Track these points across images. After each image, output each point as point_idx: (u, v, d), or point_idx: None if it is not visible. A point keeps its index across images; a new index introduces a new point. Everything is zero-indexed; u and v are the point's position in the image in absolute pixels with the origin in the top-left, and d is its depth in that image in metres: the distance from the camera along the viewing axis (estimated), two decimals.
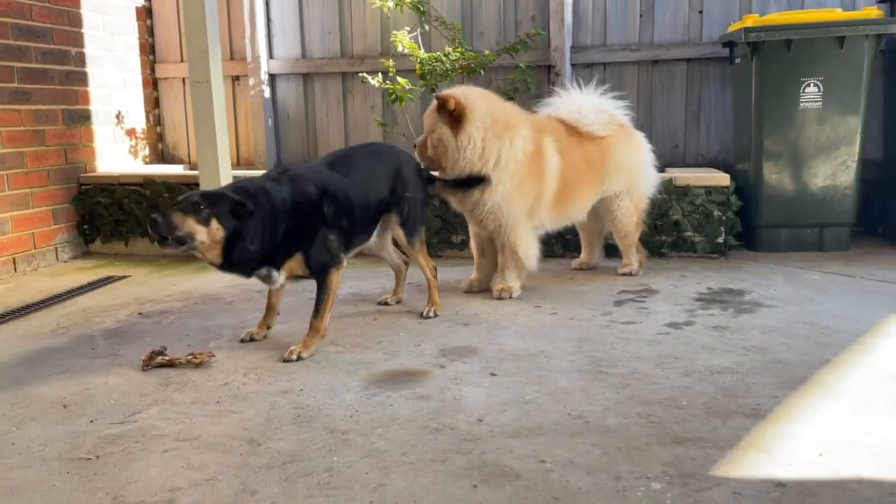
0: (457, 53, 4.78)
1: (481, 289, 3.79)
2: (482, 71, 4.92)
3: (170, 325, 3.35)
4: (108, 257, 4.92)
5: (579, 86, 3.96)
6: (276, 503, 1.81)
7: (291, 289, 3.33)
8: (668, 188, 4.35)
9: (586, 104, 3.84)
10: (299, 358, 2.82)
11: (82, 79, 5.02)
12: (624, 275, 4.02)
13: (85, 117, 5.05)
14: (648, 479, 1.87)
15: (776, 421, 2.19)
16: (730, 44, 4.74)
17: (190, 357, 2.80)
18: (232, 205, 2.65)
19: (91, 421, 2.33)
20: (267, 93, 5.64)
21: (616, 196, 3.91)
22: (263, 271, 2.83)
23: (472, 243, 3.84)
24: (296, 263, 2.87)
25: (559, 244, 4.53)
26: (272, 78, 5.69)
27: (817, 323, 3.10)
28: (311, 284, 3.01)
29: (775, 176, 4.44)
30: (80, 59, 5.01)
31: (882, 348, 2.78)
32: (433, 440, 2.12)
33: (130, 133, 5.56)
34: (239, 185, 2.82)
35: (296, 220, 2.80)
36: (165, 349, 2.85)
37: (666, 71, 5.21)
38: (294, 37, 5.63)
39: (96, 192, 4.94)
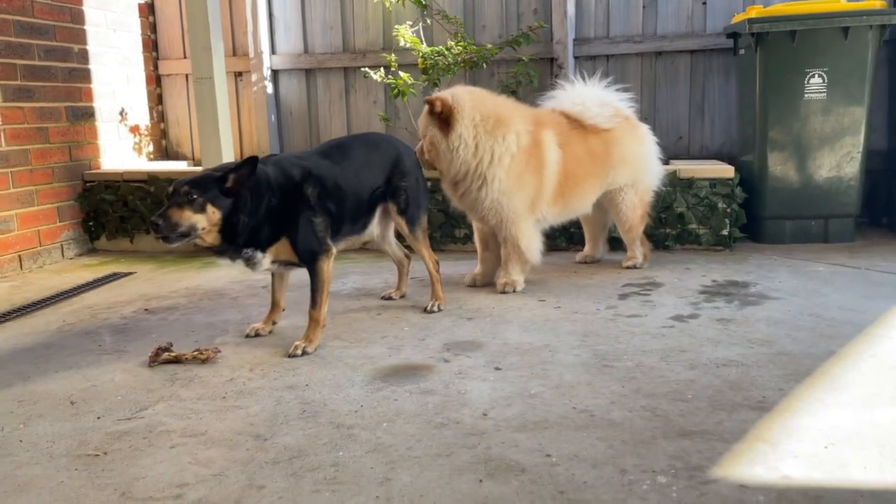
0: (459, 47, 4.77)
1: (485, 283, 3.79)
2: (485, 65, 4.92)
3: (175, 322, 3.36)
4: (113, 254, 4.94)
5: (583, 78, 3.95)
6: (282, 498, 1.82)
7: (296, 283, 3.34)
8: (673, 180, 4.35)
9: (591, 97, 3.83)
10: (304, 353, 2.82)
11: (85, 76, 5.03)
12: (628, 268, 4.02)
13: (88, 114, 5.06)
14: (654, 473, 1.88)
15: (782, 413, 2.19)
16: (734, 35, 4.72)
17: (196, 353, 2.81)
18: (219, 183, 2.68)
19: (98, 417, 2.34)
20: (269, 88, 5.64)
21: (621, 189, 3.90)
22: (248, 252, 2.82)
23: (476, 237, 3.84)
24: (282, 247, 2.86)
25: (563, 237, 4.53)
26: (275, 73, 5.69)
27: (823, 315, 3.09)
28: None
29: (780, 167, 4.42)
30: (83, 56, 5.01)
31: (888, 340, 2.77)
32: (438, 434, 2.12)
33: (134, 130, 5.57)
34: (221, 165, 2.90)
35: (279, 201, 2.80)
36: (171, 345, 2.86)
37: (670, 63, 5.19)
38: (296, 32, 5.63)
39: (101, 189, 4.95)
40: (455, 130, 3.42)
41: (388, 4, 5.05)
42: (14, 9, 4.43)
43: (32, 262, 4.57)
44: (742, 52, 4.66)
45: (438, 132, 3.45)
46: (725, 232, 4.39)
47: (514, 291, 3.62)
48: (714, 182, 4.37)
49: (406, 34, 4.76)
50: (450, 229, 4.66)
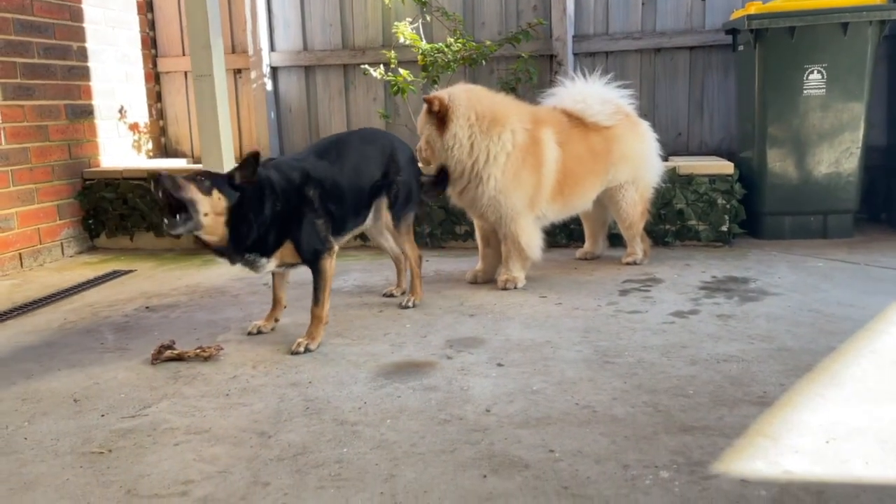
0: (459, 44, 4.77)
1: (486, 279, 3.80)
2: (484, 62, 4.92)
3: (177, 319, 3.37)
4: (113, 252, 4.94)
5: (584, 75, 3.96)
6: (287, 494, 1.83)
7: (297, 281, 3.35)
8: (672, 177, 4.36)
9: (592, 94, 3.84)
10: (307, 350, 2.83)
11: (84, 74, 5.02)
12: (628, 264, 4.03)
13: (88, 112, 5.06)
14: (657, 468, 1.89)
15: (783, 409, 2.20)
16: (733, 31, 4.73)
17: (198, 350, 2.82)
18: (227, 178, 2.71)
19: (102, 415, 2.35)
20: (269, 86, 5.64)
21: (621, 186, 3.91)
22: (251, 256, 2.82)
23: (477, 234, 3.85)
24: (287, 251, 2.88)
25: (563, 234, 4.54)
26: (274, 71, 5.69)
27: (822, 310, 3.11)
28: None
29: (779, 163, 4.43)
30: (82, 54, 5.01)
31: (888, 335, 2.79)
32: (442, 431, 2.13)
33: (133, 127, 5.57)
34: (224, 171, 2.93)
35: (282, 206, 2.81)
36: (174, 343, 2.87)
37: (669, 59, 5.19)
38: (296, 29, 5.62)
39: (100, 187, 4.95)
40: (450, 130, 3.43)
41: (387, 1, 5.06)
42: (14, 7, 4.43)
43: (33, 260, 4.57)
44: (741, 48, 4.67)
45: (435, 131, 3.47)
46: (725, 228, 4.40)
47: (516, 288, 3.63)
48: (713, 178, 4.38)
49: (406, 31, 4.76)
50: (450, 226, 4.67)
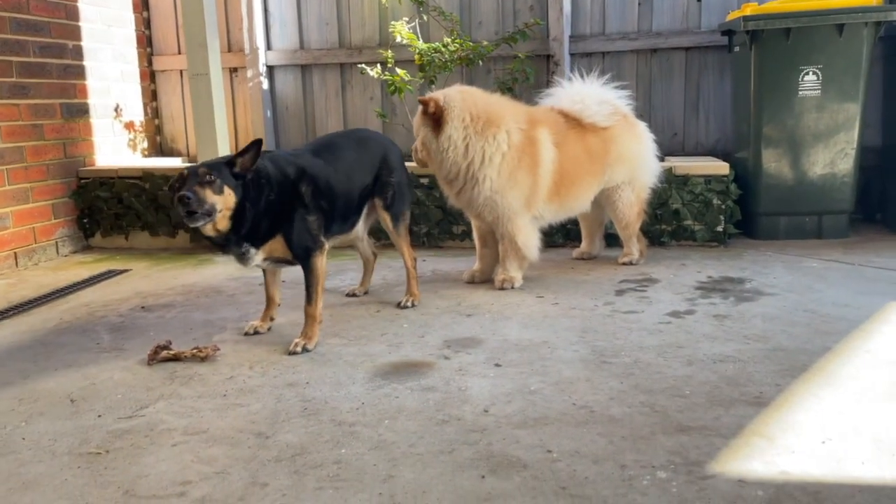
0: (456, 44, 4.77)
1: (483, 279, 3.81)
2: (481, 61, 4.92)
3: (173, 319, 3.36)
4: (108, 251, 4.93)
5: (581, 76, 3.96)
6: (286, 496, 1.83)
7: (292, 280, 3.34)
8: (668, 177, 4.36)
9: (589, 95, 3.84)
10: (304, 350, 2.83)
11: (80, 72, 5.01)
12: (625, 264, 4.04)
13: (83, 111, 5.04)
14: (654, 468, 1.90)
15: (778, 409, 2.21)
16: (729, 32, 4.74)
17: (195, 351, 2.81)
18: (229, 167, 2.72)
19: (99, 415, 2.34)
20: (265, 84, 5.63)
21: (618, 187, 3.92)
22: (242, 248, 2.83)
23: (474, 234, 3.85)
24: (277, 245, 2.88)
25: (560, 234, 4.55)
26: (270, 69, 5.68)
27: (818, 311, 3.12)
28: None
29: (774, 164, 4.45)
30: (78, 53, 4.99)
31: (882, 335, 2.80)
32: (440, 431, 2.14)
33: (129, 126, 5.55)
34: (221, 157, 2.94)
35: (276, 197, 2.83)
36: (170, 343, 2.87)
37: (665, 59, 5.21)
38: (292, 28, 5.62)
39: (96, 186, 4.93)
40: (445, 132, 3.44)
41: (384, 1, 5.05)
42: (10, 6, 4.41)
43: (27, 259, 4.56)
44: (737, 49, 4.68)
45: (430, 133, 3.48)
46: (720, 228, 4.42)
47: (513, 288, 3.64)
48: (709, 179, 4.40)
49: (402, 30, 4.76)
50: (447, 226, 4.67)
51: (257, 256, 2.88)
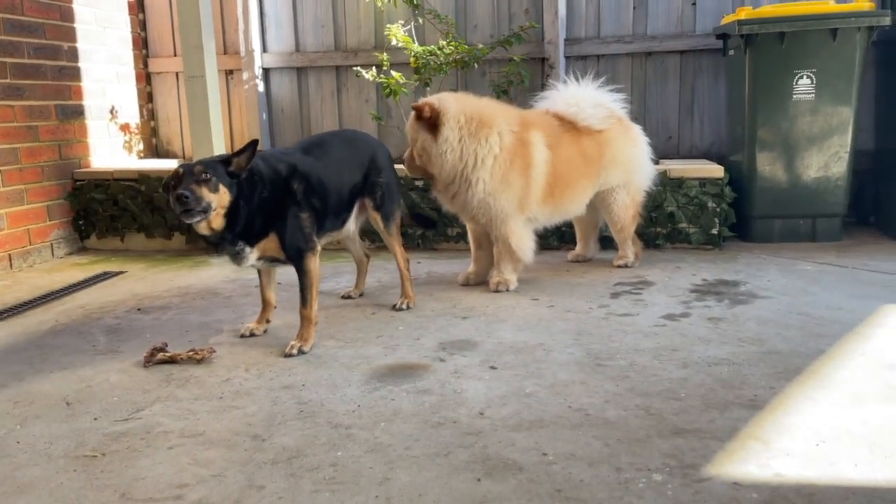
0: (451, 47, 4.78)
1: (478, 282, 3.81)
2: (476, 64, 4.93)
3: (169, 321, 3.36)
4: (103, 253, 4.92)
5: (576, 79, 3.97)
6: (282, 498, 1.84)
7: (288, 283, 3.34)
8: (663, 180, 4.38)
9: (584, 98, 3.85)
10: (300, 352, 2.84)
11: (75, 74, 5.00)
12: (620, 267, 4.05)
13: (78, 112, 5.03)
14: (649, 471, 1.90)
15: (773, 411, 2.23)
16: (723, 36, 4.76)
17: (191, 353, 2.81)
18: (225, 166, 2.73)
19: (95, 418, 2.34)
20: (261, 87, 5.63)
21: (613, 190, 3.93)
22: (237, 247, 2.84)
23: (469, 237, 3.86)
24: (271, 244, 2.89)
25: (555, 236, 4.56)
26: (266, 72, 5.68)
27: (812, 314, 3.14)
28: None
29: (768, 167, 4.47)
30: (73, 54, 4.98)
31: (876, 338, 2.82)
32: (436, 434, 2.14)
33: (124, 128, 5.55)
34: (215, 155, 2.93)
35: (269, 195, 2.84)
36: (166, 345, 2.87)
37: (659, 63, 5.22)
38: (288, 30, 5.62)
39: (91, 188, 4.92)
40: (442, 134, 3.44)
41: (379, 4, 5.06)
42: (4, 7, 4.40)
43: (22, 261, 4.55)
44: (731, 52, 4.70)
45: (429, 137, 3.47)
46: (715, 231, 4.43)
47: (508, 290, 3.64)
48: (704, 182, 4.41)
49: (398, 33, 4.77)
50: (442, 228, 4.67)
51: (252, 255, 2.88)
